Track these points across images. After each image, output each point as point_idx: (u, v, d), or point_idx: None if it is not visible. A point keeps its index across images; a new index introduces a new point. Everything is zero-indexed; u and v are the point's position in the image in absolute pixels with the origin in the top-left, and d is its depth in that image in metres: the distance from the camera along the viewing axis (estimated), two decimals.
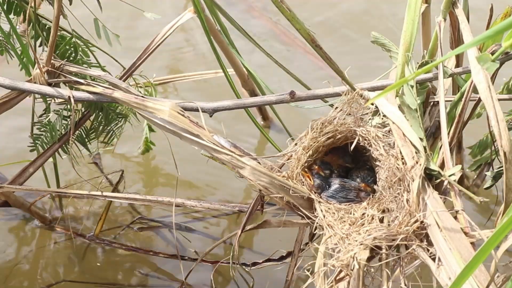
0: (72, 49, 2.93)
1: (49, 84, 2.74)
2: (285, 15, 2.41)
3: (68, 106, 2.94)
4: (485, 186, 3.03)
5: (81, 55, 2.93)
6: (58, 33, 2.90)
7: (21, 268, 3.38)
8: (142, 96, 2.60)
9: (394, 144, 2.42)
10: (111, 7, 3.19)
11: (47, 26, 2.92)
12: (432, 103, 2.55)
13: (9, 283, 3.31)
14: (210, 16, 3.15)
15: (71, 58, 2.93)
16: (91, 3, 2.92)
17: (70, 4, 2.86)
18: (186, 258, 3.33)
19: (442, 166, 2.39)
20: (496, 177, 2.94)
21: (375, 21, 4.37)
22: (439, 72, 2.42)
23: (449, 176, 2.30)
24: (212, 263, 3.25)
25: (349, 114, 2.51)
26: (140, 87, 3.15)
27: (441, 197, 2.29)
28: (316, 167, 2.53)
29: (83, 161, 3.32)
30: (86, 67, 2.84)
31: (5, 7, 2.85)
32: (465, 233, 2.21)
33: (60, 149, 3.03)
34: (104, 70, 2.93)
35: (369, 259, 2.26)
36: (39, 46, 2.93)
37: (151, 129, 3.47)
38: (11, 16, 2.88)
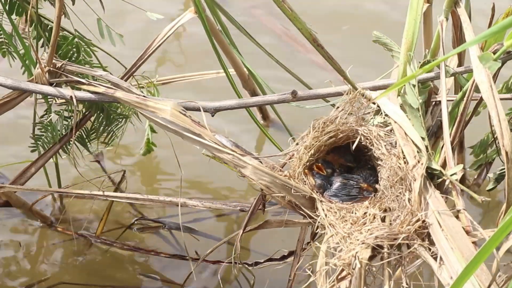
0: (75, 49, 2.93)
1: (51, 84, 2.73)
2: (286, 14, 2.41)
3: (69, 106, 2.95)
4: (487, 188, 3.03)
5: (83, 55, 2.93)
6: (60, 34, 2.90)
7: (21, 268, 3.38)
8: (143, 96, 2.60)
9: (396, 144, 2.42)
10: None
11: (49, 26, 2.92)
12: (434, 102, 2.55)
13: (9, 283, 3.31)
14: (211, 16, 3.15)
15: (73, 59, 2.93)
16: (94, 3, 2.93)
17: (73, 4, 2.86)
18: (187, 258, 3.33)
19: (443, 165, 2.39)
20: (499, 179, 2.96)
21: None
22: (441, 71, 2.42)
23: (451, 175, 2.30)
24: (214, 263, 3.25)
25: (351, 113, 2.51)
26: (142, 87, 3.15)
27: (442, 196, 2.29)
28: (318, 165, 2.53)
29: (85, 161, 3.32)
30: (88, 67, 2.84)
31: (7, 7, 2.86)
32: (467, 232, 2.21)
33: (60, 150, 3.03)
34: (105, 70, 2.94)
35: (371, 258, 2.26)
36: (41, 46, 2.93)
37: (152, 130, 3.47)
38: (13, 16, 2.88)
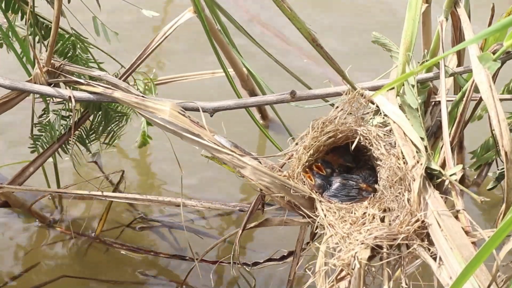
0: (70, 46, 2.93)
1: (49, 84, 2.73)
2: (286, 14, 2.41)
3: (67, 106, 2.94)
4: (488, 187, 3.03)
5: (79, 53, 2.93)
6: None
7: (21, 268, 3.38)
8: (142, 96, 2.59)
9: (395, 144, 2.41)
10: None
11: (45, 24, 2.92)
12: (433, 102, 2.55)
13: (8, 283, 3.31)
14: (210, 15, 3.15)
15: (69, 56, 2.93)
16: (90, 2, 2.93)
17: (69, 2, 2.86)
18: (187, 258, 3.33)
19: (443, 165, 2.39)
20: (499, 178, 2.95)
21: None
22: (441, 71, 2.42)
23: (450, 175, 2.30)
24: (213, 263, 3.25)
25: (350, 113, 2.51)
26: (135, 84, 3.15)
27: (442, 197, 2.29)
28: (317, 164, 2.52)
29: (84, 161, 3.33)
30: (86, 67, 2.84)
31: (3, 5, 2.85)
32: (466, 233, 2.21)
33: (61, 150, 3.03)
34: (101, 69, 2.93)
35: (370, 258, 2.26)
36: (38, 42, 2.93)
37: (149, 123, 3.45)
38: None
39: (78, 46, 2.92)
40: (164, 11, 4.43)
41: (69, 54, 2.92)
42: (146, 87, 3.22)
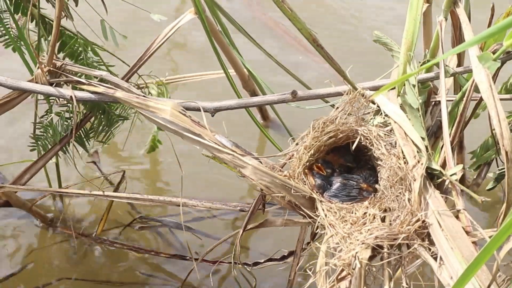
0: (81, 49, 2.93)
1: (51, 84, 2.74)
2: (286, 14, 2.41)
3: (70, 108, 2.95)
4: (487, 188, 3.03)
5: (90, 54, 2.93)
6: (67, 33, 2.91)
7: (21, 268, 3.38)
8: (143, 96, 2.60)
9: (395, 144, 2.42)
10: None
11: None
12: (433, 102, 2.55)
13: (9, 283, 3.31)
14: (211, 16, 3.16)
15: (80, 58, 2.93)
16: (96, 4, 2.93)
17: (76, 5, 2.86)
18: (187, 257, 3.33)
19: (443, 165, 2.39)
20: (499, 178, 2.95)
21: None
22: (441, 71, 2.42)
23: (451, 175, 2.30)
24: (213, 263, 3.25)
25: (351, 113, 2.51)
26: (147, 87, 3.15)
27: (442, 196, 2.29)
28: (318, 165, 2.53)
29: (85, 161, 3.33)
30: (90, 68, 2.84)
31: (12, 7, 2.86)
32: (467, 232, 2.21)
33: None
34: (111, 72, 2.93)
35: (371, 258, 2.26)
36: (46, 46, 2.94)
37: (159, 128, 3.45)
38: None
39: (89, 48, 2.93)
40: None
41: (80, 58, 2.93)
42: (159, 90, 3.22)
